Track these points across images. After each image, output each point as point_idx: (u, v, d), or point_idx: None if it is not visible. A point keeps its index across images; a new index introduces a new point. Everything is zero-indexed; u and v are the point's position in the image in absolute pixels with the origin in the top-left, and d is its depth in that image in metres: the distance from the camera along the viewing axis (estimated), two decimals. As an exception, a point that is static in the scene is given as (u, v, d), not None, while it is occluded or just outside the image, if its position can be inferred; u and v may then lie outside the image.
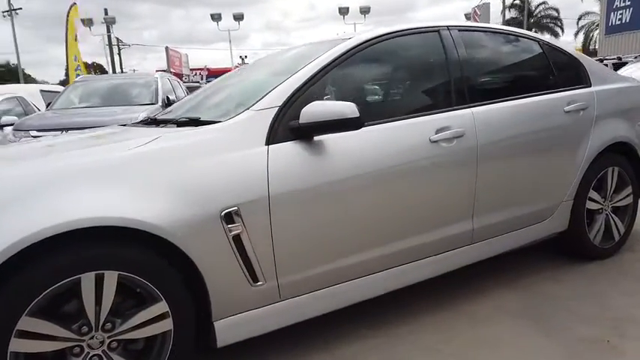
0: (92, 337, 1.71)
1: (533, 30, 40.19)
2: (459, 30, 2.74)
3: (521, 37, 3.02)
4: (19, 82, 28.22)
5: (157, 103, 6.99)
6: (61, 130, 5.50)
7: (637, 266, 3.07)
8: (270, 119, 2.06)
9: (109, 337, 1.74)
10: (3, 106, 7.85)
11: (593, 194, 3.07)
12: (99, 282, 1.68)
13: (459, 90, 2.57)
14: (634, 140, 3.20)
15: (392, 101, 2.61)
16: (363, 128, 2.20)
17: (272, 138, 2.04)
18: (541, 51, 3.04)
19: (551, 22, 40.49)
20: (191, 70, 37.31)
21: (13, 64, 58.32)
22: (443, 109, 2.49)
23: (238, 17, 30.45)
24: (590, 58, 3.41)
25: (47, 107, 7.68)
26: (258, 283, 2.00)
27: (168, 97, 7.11)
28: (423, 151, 2.35)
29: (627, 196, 3.24)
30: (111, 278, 1.70)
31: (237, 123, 2.06)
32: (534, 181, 2.79)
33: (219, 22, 30.52)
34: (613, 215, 3.20)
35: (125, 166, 1.80)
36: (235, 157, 1.95)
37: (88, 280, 1.66)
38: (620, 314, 2.47)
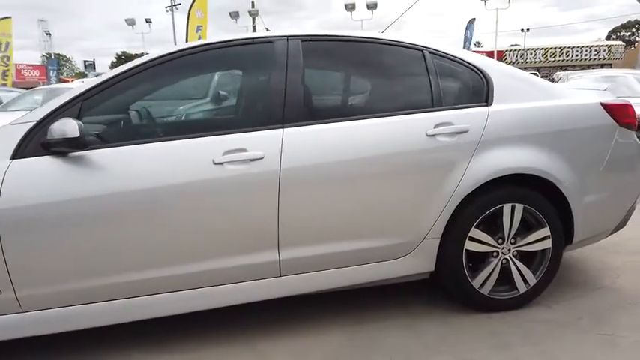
0: None
1: None
2: (303, 40, 2.48)
3: (397, 46, 2.62)
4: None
5: None
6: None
7: (525, 327, 2.50)
8: (23, 134, 2.12)
9: None
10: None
11: (477, 234, 2.56)
12: None
13: (273, 108, 2.34)
14: (552, 173, 2.58)
15: (182, 119, 2.46)
16: (137, 146, 2.17)
17: (20, 152, 2.10)
18: (421, 63, 2.60)
19: None
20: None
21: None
22: (243, 129, 2.30)
23: (372, 6, 30.32)
24: (512, 69, 2.81)
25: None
26: (-7, 292, 2.09)
27: None
28: (203, 173, 2.20)
29: (540, 240, 2.65)
30: None
31: (-9, 136, 2.16)
32: (374, 213, 2.43)
33: (352, 12, 30.75)
34: (516, 261, 2.65)
35: None
36: (-23, 169, 2.06)
37: None
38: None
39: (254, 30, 35.10)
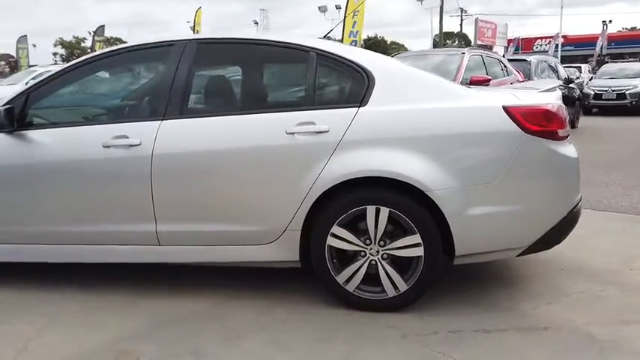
0: None
1: None
2: (200, 43, 2.84)
3: (284, 47, 2.78)
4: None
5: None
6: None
7: (366, 330, 2.50)
8: None
9: None
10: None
11: (340, 231, 2.62)
12: None
13: (158, 103, 2.77)
14: (419, 179, 2.49)
15: (89, 110, 3.00)
16: (54, 129, 2.87)
17: (-14, 129, 2.92)
18: (305, 64, 2.71)
19: None
20: (520, 40, 35.45)
21: (380, 37, 67.00)
22: (128, 120, 2.79)
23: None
24: (405, 69, 2.69)
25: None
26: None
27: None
28: (92, 155, 2.75)
29: (411, 246, 2.58)
30: None
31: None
32: (235, 200, 2.69)
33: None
34: (385, 265, 2.63)
35: None
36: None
37: None
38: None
39: (440, 10, 34.28)
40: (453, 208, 2.51)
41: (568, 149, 2.64)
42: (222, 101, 2.86)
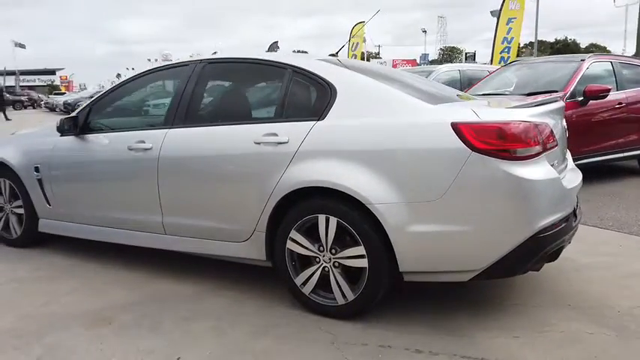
0: None
1: None
2: (209, 63, 3.27)
3: (266, 65, 3.05)
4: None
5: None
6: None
7: (306, 333, 2.64)
8: None
9: None
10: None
11: (297, 236, 2.79)
12: None
13: (169, 115, 3.26)
14: (359, 191, 2.53)
15: (121, 120, 3.57)
16: (97, 134, 3.58)
17: (62, 133, 3.75)
18: (281, 79, 2.94)
19: None
20: None
21: (571, 39, 61.23)
22: (148, 128, 3.34)
23: None
24: (368, 84, 2.72)
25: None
26: (50, 206, 3.85)
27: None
28: (122, 155, 3.37)
29: (357, 257, 2.64)
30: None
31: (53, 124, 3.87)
32: (216, 199, 3.03)
33: None
34: (335, 272, 2.72)
35: None
36: (48, 140, 3.83)
37: None
38: None
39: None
40: (395, 223, 2.51)
41: (530, 170, 2.41)
42: (212, 113, 3.26)
